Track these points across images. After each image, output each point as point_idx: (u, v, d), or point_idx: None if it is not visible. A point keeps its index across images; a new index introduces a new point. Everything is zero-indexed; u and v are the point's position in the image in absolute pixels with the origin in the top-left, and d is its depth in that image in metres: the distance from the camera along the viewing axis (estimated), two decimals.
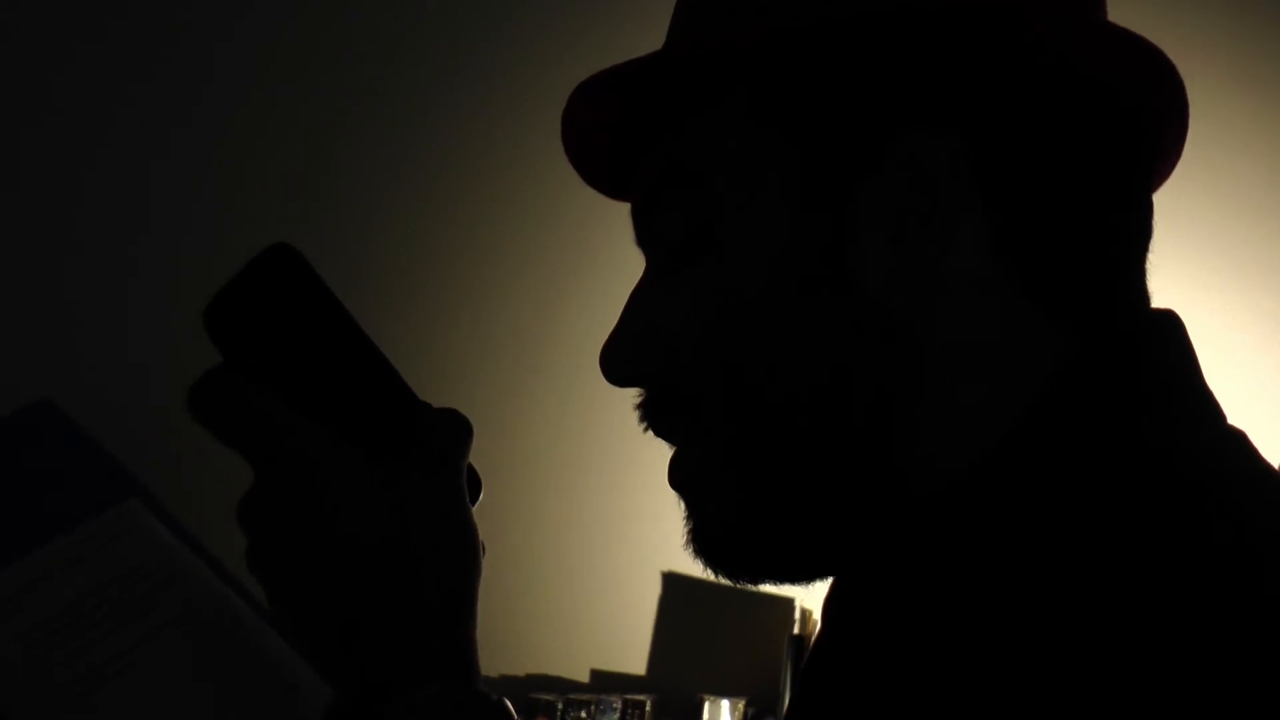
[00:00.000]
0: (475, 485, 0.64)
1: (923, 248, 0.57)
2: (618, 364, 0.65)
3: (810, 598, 2.05)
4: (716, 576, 0.64)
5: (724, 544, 0.63)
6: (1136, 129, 0.61)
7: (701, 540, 0.63)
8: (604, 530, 2.07)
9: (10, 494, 0.69)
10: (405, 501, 0.58)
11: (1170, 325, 0.61)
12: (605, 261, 2.01)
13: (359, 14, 2.02)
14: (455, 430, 0.61)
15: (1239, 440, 0.58)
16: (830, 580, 0.63)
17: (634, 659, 2.12)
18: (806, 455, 0.59)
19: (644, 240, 0.66)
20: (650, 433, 0.65)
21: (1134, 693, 0.46)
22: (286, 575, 0.58)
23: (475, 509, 0.62)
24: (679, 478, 0.64)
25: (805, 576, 0.63)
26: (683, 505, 0.65)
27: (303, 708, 0.63)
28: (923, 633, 0.51)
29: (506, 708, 0.58)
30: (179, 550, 0.69)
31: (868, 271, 0.57)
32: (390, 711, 0.56)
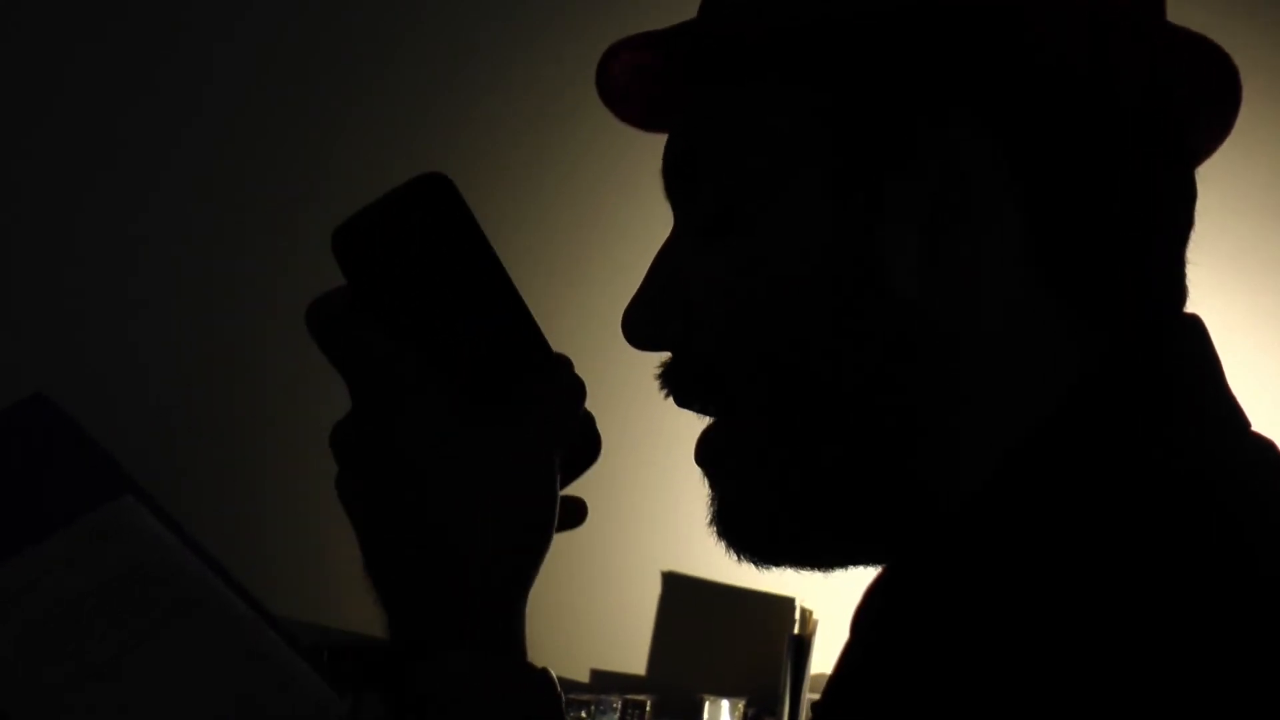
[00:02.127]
0: (593, 447, 0.62)
1: (955, 245, 0.57)
2: (641, 325, 0.64)
3: (811, 598, 2.04)
4: (739, 559, 0.63)
5: (747, 526, 0.62)
6: (1179, 125, 0.61)
7: (725, 520, 0.63)
8: (604, 530, 2.06)
9: (4, 489, 0.68)
10: (488, 454, 0.58)
11: (1194, 329, 0.61)
12: (606, 262, 2.01)
13: (359, 14, 2.02)
14: (563, 390, 0.61)
15: (1264, 448, 0.58)
16: (849, 585, 0.62)
17: (634, 659, 2.12)
18: (836, 444, 0.59)
19: (674, 196, 0.65)
20: (670, 400, 0.64)
21: (1156, 708, 0.45)
22: (364, 506, 0.58)
23: (588, 473, 0.61)
24: (706, 454, 0.63)
25: (826, 563, 0.62)
26: (706, 482, 0.64)
27: (298, 704, 0.63)
28: (946, 640, 0.51)
29: (550, 678, 0.58)
30: (174, 547, 0.68)
31: (899, 265, 0.57)
32: (421, 671, 0.56)
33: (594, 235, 2.05)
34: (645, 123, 0.69)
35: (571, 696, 1.97)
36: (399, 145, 2.02)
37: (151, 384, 1.78)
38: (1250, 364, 2.08)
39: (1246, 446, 0.58)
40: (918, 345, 0.57)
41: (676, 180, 0.64)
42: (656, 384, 0.64)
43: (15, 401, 0.71)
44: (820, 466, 0.59)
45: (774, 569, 0.63)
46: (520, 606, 0.60)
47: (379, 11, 2.04)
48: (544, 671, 0.58)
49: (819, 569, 0.63)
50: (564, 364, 0.62)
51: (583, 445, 0.63)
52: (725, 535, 0.63)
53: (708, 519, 0.63)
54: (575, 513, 0.63)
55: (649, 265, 0.65)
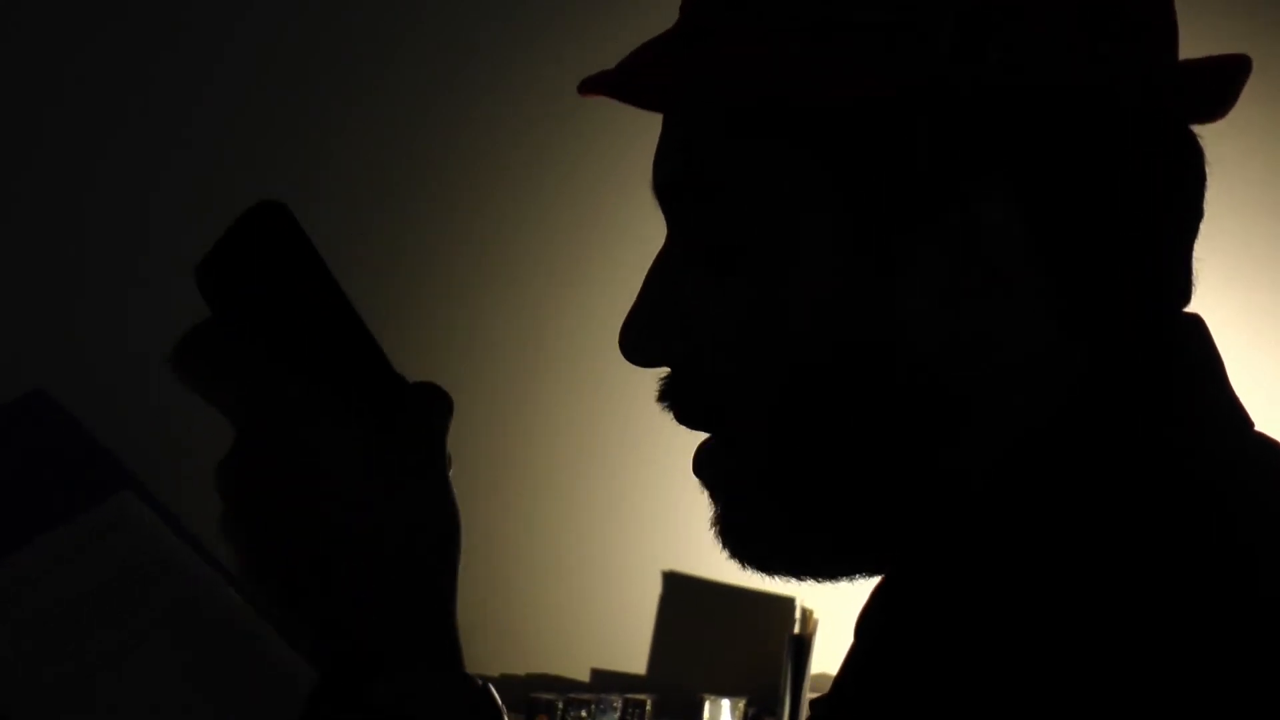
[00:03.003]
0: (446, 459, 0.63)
1: (974, 308, 0.57)
2: (642, 342, 0.63)
3: (811, 598, 2.04)
4: (743, 567, 0.63)
5: (749, 540, 0.63)
6: (1200, 165, 0.61)
7: (726, 533, 0.63)
8: (604, 529, 2.06)
9: (2, 486, 0.68)
10: (391, 475, 0.57)
11: (1195, 330, 0.61)
12: (606, 262, 2.01)
13: (359, 14, 2.02)
14: (440, 405, 0.60)
15: (1266, 446, 0.58)
16: (862, 590, 0.63)
17: (634, 658, 2.12)
18: (839, 474, 0.59)
19: (667, 207, 0.64)
20: (668, 415, 0.64)
21: (1159, 714, 0.46)
22: (260, 542, 0.57)
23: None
24: (706, 470, 0.64)
25: (829, 575, 0.63)
26: (705, 492, 0.64)
27: (299, 700, 0.63)
28: (949, 647, 0.51)
29: (491, 693, 0.58)
30: (172, 544, 0.68)
31: (914, 327, 0.57)
32: (378, 694, 0.56)
33: (594, 236, 2.05)
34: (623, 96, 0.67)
35: (572, 696, 1.97)
36: (399, 145, 2.02)
37: (151, 384, 1.77)
38: (1245, 360, 2.08)
39: (1248, 445, 0.58)
40: (925, 392, 0.58)
41: (672, 196, 0.64)
42: (655, 397, 0.64)
43: (14, 398, 0.70)
44: (822, 490, 0.59)
45: (777, 579, 0.63)
46: (453, 616, 0.59)
47: (379, 11, 2.04)
48: (485, 684, 0.58)
49: (822, 580, 0.63)
50: (406, 383, 0.61)
51: None
52: (728, 546, 0.63)
53: (709, 525, 0.64)
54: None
55: (645, 276, 0.64)
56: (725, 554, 0.63)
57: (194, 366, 0.58)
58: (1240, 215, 2.19)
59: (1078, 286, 0.58)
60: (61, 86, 1.85)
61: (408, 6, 2.05)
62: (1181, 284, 0.61)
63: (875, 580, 0.62)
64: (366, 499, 0.57)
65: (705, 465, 0.64)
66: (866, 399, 0.58)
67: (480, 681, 0.58)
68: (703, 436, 0.64)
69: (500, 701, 0.59)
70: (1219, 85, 0.60)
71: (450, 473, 0.61)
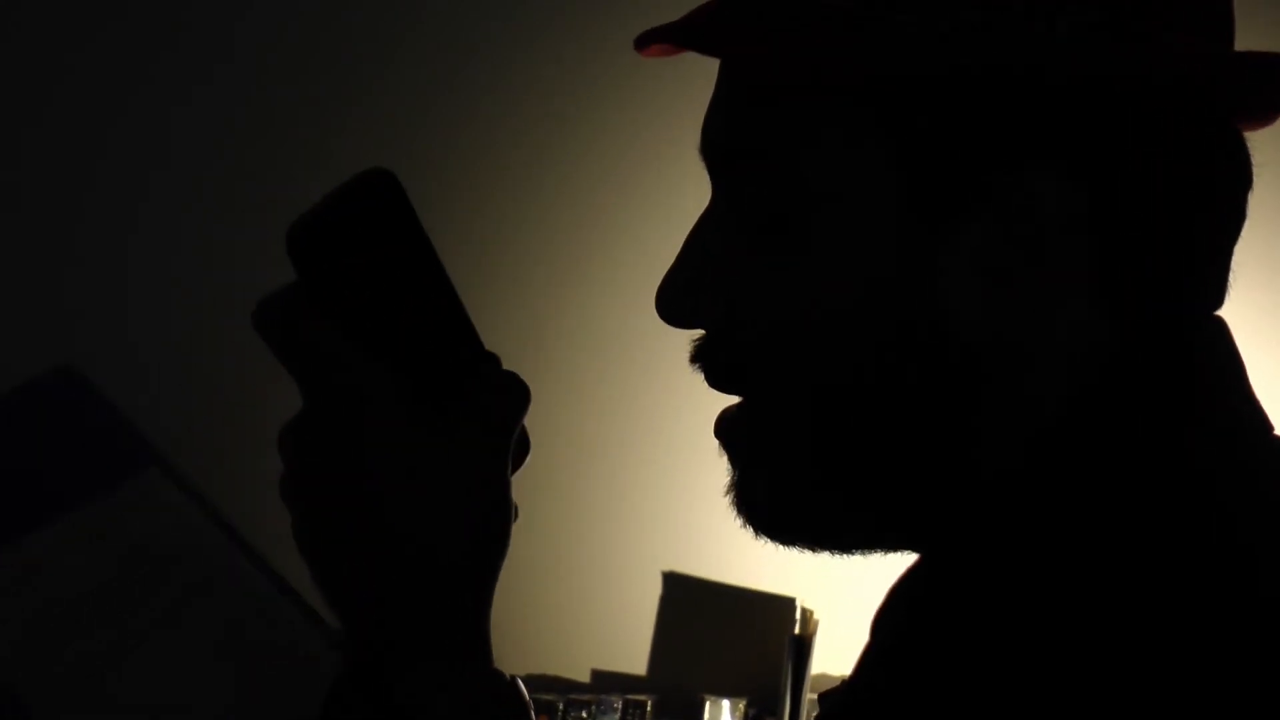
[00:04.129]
0: (524, 447, 0.62)
1: (1021, 290, 0.57)
2: (681, 302, 0.62)
3: (812, 598, 2.04)
4: (755, 535, 0.63)
5: (769, 506, 0.62)
6: (1247, 165, 0.61)
7: (745, 498, 0.63)
8: (604, 530, 2.06)
9: (30, 460, 0.68)
10: (445, 459, 0.57)
11: (1217, 332, 0.61)
12: (607, 262, 2.01)
13: (359, 14, 2.02)
14: (515, 395, 0.60)
15: None
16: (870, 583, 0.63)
17: (635, 659, 2.12)
18: (870, 449, 0.59)
19: (713, 167, 0.63)
20: (702, 379, 0.63)
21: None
22: (310, 511, 0.57)
23: (519, 474, 0.61)
24: (730, 434, 0.63)
25: (845, 546, 0.62)
26: (726, 456, 0.63)
27: (322, 682, 0.63)
28: (963, 650, 0.51)
29: (519, 688, 0.58)
30: (197, 523, 0.68)
31: (960, 304, 0.57)
32: (406, 684, 0.56)
33: (594, 236, 2.05)
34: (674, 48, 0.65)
35: (572, 697, 1.97)
36: (399, 145, 2.02)
37: (151, 384, 1.77)
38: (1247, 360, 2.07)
39: (1269, 449, 0.58)
40: (968, 378, 0.58)
41: (718, 159, 0.63)
42: (689, 357, 0.63)
43: (43, 373, 0.70)
44: (852, 464, 0.59)
45: (789, 547, 0.63)
46: (487, 614, 0.59)
47: (379, 11, 2.03)
48: (514, 680, 0.58)
49: (835, 552, 0.62)
50: (496, 364, 0.61)
51: (518, 447, 0.62)
52: (744, 512, 0.63)
53: (725, 491, 0.63)
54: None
55: (686, 236, 0.63)
56: (740, 520, 0.63)
57: (269, 328, 0.58)
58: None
59: (1121, 276, 0.58)
60: (62, 86, 1.85)
61: (408, 6, 2.05)
62: (1216, 285, 0.62)
63: (876, 575, 0.62)
64: (417, 488, 0.57)
65: (728, 426, 0.63)
66: (910, 373, 0.58)
67: (509, 677, 0.58)
68: (726, 400, 0.64)
69: (528, 697, 0.59)
70: (1271, 86, 0.60)
71: (527, 461, 0.61)
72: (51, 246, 1.85)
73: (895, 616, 0.59)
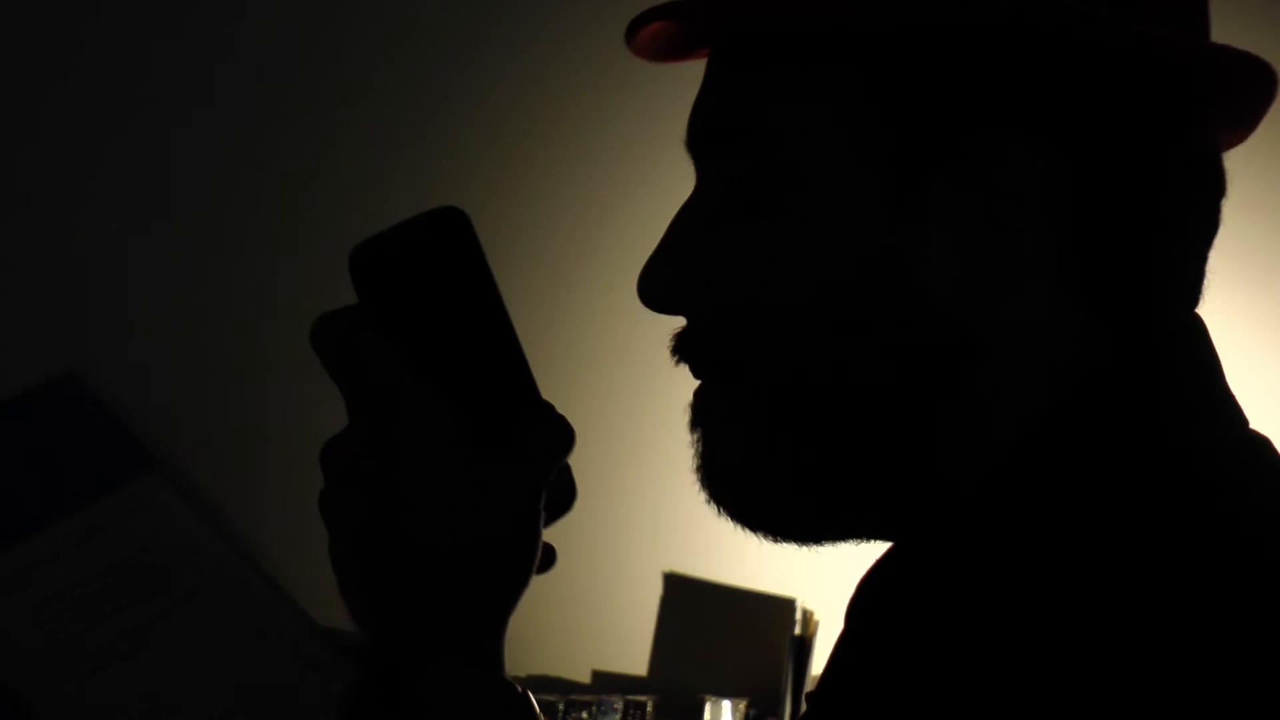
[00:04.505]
0: (569, 494, 0.63)
1: (995, 257, 0.57)
2: (661, 287, 0.63)
3: (812, 598, 2.05)
4: (719, 512, 0.63)
5: (745, 492, 0.62)
6: (1220, 173, 0.62)
7: (719, 481, 0.63)
8: (605, 531, 2.07)
9: (30, 465, 0.69)
10: (479, 492, 0.58)
11: (1194, 329, 0.61)
12: (608, 263, 2.01)
13: (359, 13, 2.02)
14: (557, 437, 0.61)
15: (1262, 445, 0.58)
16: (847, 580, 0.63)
17: (635, 660, 2.12)
18: (850, 429, 0.59)
19: (699, 157, 0.64)
20: (684, 368, 0.64)
21: (1153, 705, 0.45)
22: (353, 526, 0.58)
23: (565, 520, 0.62)
24: (704, 416, 0.63)
25: (816, 537, 0.62)
26: (695, 440, 0.64)
27: (321, 686, 0.63)
28: (938, 633, 0.51)
29: (530, 701, 0.59)
30: (196, 528, 0.69)
31: (938, 272, 0.58)
32: (419, 692, 0.57)
33: (595, 236, 2.05)
34: (666, 57, 0.68)
35: (573, 697, 1.97)
36: (400, 144, 2.02)
37: (151, 385, 1.78)
38: (1250, 363, 2.08)
39: (1243, 440, 0.59)
40: (945, 349, 0.58)
41: (704, 144, 0.63)
42: (669, 349, 0.63)
43: (46, 380, 0.71)
44: (831, 446, 0.59)
45: (760, 536, 0.63)
46: (503, 632, 0.61)
47: (380, 10, 2.04)
48: (525, 692, 0.59)
49: (808, 542, 0.63)
50: (549, 410, 0.62)
51: (562, 492, 0.63)
52: (717, 495, 0.63)
53: (695, 470, 0.63)
54: (548, 557, 0.63)
55: (669, 224, 0.64)
56: (711, 504, 0.63)
57: (326, 344, 0.59)
58: (1243, 215, 2.19)
59: (1093, 252, 0.58)
60: (63, 86, 1.86)
61: (410, 4, 2.05)
62: (1190, 283, 0.62)
63: (860, 564, 0.62)
64: (444, 508, 0.58)
65: (702, 408, 0.63)
66: (888, 346, 0.58)
67: (520, 688, 0.59)
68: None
69: (538, 709, 0.60)
70: (1242, 80, 0.61)
71: (573, 507, 0.62)
72: (52, 247, 1.85)
73: (864, 600, 0.60)
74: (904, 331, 0.58)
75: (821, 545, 0.63)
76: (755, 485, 0.62)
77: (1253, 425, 0.60)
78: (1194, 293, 0.62)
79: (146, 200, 1.90)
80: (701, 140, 0.63)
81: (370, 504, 0.58)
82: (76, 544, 0.66)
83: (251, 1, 1.97)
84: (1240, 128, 0.64)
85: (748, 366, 0.60)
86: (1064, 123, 0.57)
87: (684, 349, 0.63)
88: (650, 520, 2.05)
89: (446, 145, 2.04)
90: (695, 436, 0.64)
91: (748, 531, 0.63)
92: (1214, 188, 0.62)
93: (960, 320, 0.57)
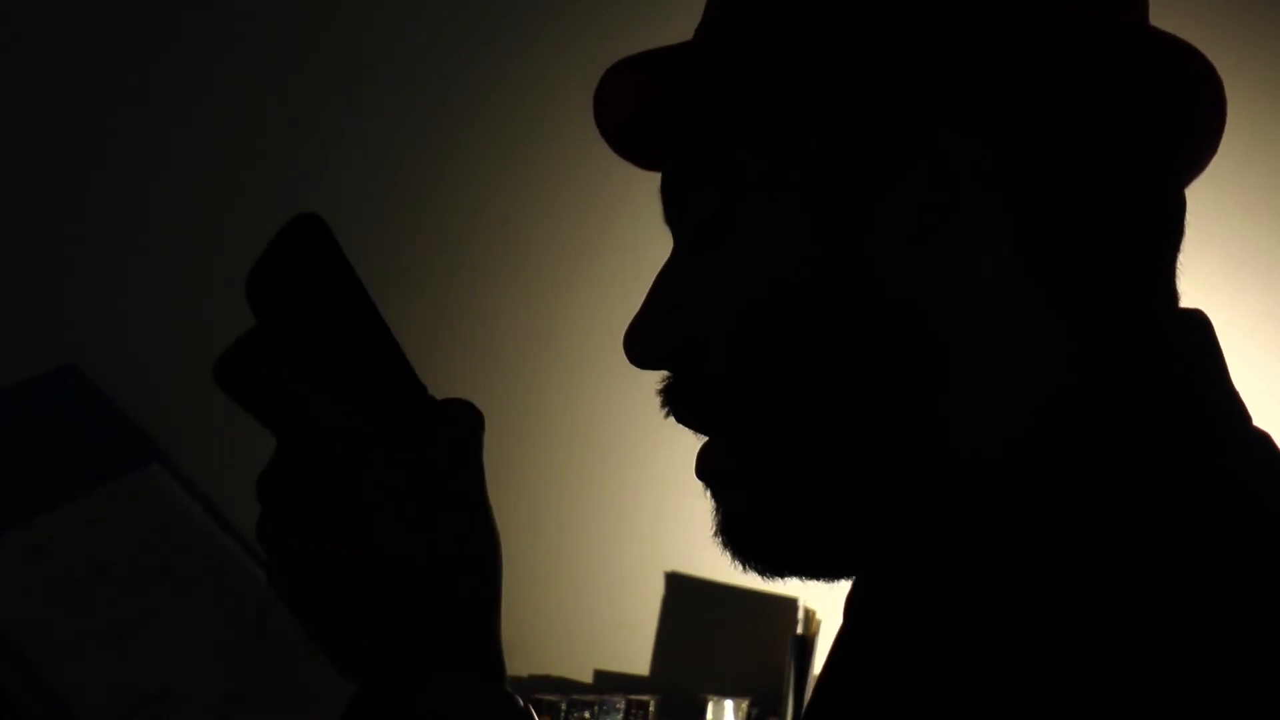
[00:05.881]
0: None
1: (944, 246, 0.57)
2: (641, 344, 0.64)
3: (814, 598, 2.04)
4: (745, 569, 0.63)
5: (750, 535, 0.62)
6: (1167, 129, 0.61)
7: (730, 533, 0.63)
8: (607, 531, 2.07)
9: (35, 453, 0.69)
10: (431, 493, 0.58)
11: (1198, 324, 0.61)
12: (610, 261, 2.01)
13: (359, 13, 2.02)
14: (472, 421, 0.61)
15: (1265, 442, 0.58)
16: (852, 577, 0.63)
17: (637, 659, 2.12)
18: (828, 451, 0.59)
19: (671, 217, 0.65)
20: (671, 419, 0.64)
21: (1150, 706, 0.45)
22: (296, 551, 0.58)
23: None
24: (704, 469, 0.64)
25: (830, 573, 0.63)
26: (709, 496, 0.64)
27: (321, 675, 0.63)
28: (938, 632, 0.51)
29: (531, 714, 0.59)
30: (197, 514, 0.69)
31: (888, 268, 0.57)
32: (419, 705, 0.56)
33: (596, 238, 2.05)
34: (644, 158, 0.70)
35: (575, 697, 1.97)
36: (400, 145, 2.02)
37: (150, 385, 1.78)
38: (1250, 363, 2.08)
39: (1246, 438, 0.58)
40: (912, 347, 0.57)
41: (674, 196, 0.65)
42: (659, 404, 0.64)
43: (49, 370, 0.72)
44: (814, 478, 0.59)
45: (780, 579, 0.63)
46: (497, 631, 0.60)
47: (380, 10, 2.04)
48: (527, 706, 0.59)
49: (823, 579, 0.63)
50: (434, 398, 0.62)
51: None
52: (731, 547, 0.63)
53: (712, 531, 0.63)
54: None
55: (652, 281, 0.65)
56: (727, 554, 0.63)
57: (234, 378, 0.59)
58: (1244, 217, 2.20)
59: (1052, 241, 0.58)
60: (63, 86, 1.86)
61: (410, 4, 2.05)
62: (1166, 283, 0.61)
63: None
64: (406, 521, 0.57)
65: (705, 462, 0.64)
66: (854, 348, 0.58)
67: (521, 702, 0.59)
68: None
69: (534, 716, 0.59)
70: (1180, 79, 0.60)
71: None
72: (52, 247, 1.85)
73: (863, 595, 0.59)
74: (864, 327, 0.57)
75: (835, 579, 0.63)
76: (761, 529, 0.62)
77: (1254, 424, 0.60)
78: (1167, 293, 0.62)
79: (146, 200, 1.90)
80: (669, 193, 0.65)
81: (321, 520, 0.57)
82: (84, 526, 0.67)
83: (251, 1, 1.97)
84: (1195, 129, 0.63)
85: (722, 392, 0.61)
86: (997, 108, 0.57)
87: (667, 395, 0.64)
88: (652, 520, 2.05)
89: (446, 145, 2.04)
90: (708, 498, 0.64)
91: (768, 577, 0.63)
92: (1169, 193, 0.61)
93: (919, 310, 0.57)
